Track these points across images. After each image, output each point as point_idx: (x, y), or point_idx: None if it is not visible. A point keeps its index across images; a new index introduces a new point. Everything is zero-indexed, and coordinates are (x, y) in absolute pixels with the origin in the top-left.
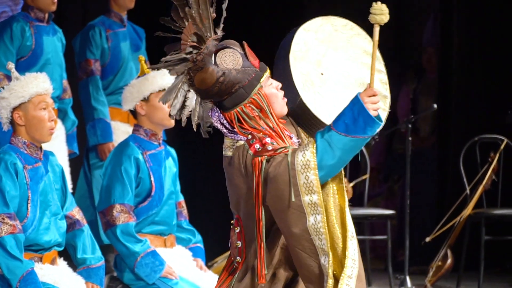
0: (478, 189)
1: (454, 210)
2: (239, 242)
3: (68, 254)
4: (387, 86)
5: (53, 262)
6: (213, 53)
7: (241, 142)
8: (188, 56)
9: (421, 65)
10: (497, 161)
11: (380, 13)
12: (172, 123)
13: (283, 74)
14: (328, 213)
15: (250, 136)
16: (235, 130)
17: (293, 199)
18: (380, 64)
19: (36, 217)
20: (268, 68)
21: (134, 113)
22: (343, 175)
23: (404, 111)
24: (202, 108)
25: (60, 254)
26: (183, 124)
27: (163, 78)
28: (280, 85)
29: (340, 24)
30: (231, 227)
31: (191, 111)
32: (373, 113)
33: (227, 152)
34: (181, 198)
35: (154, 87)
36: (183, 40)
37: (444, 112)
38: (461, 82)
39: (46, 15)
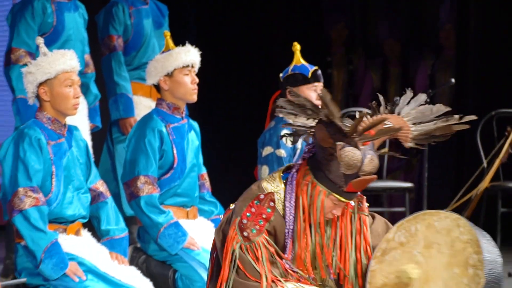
0: (495, 162)
1: (471, 183)
2: None
3: (92, 226)
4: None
5: (77, 233)
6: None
7: None
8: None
9: (439, 42)
10: None
11: None
12: (194, 98)
13: None
14: None
15: None
16: None
17: None
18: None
19: (60, 192)
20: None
21: (157, 87)
22: None
23: (422, 87)
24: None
25: (84, 225)
26: None
27: (187, 55)
28: None
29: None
30: None
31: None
32: None
33: None
34: (204, 171)
35: (178, 63)
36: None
37: (461, 88)
38: (478, 58)
39: None
